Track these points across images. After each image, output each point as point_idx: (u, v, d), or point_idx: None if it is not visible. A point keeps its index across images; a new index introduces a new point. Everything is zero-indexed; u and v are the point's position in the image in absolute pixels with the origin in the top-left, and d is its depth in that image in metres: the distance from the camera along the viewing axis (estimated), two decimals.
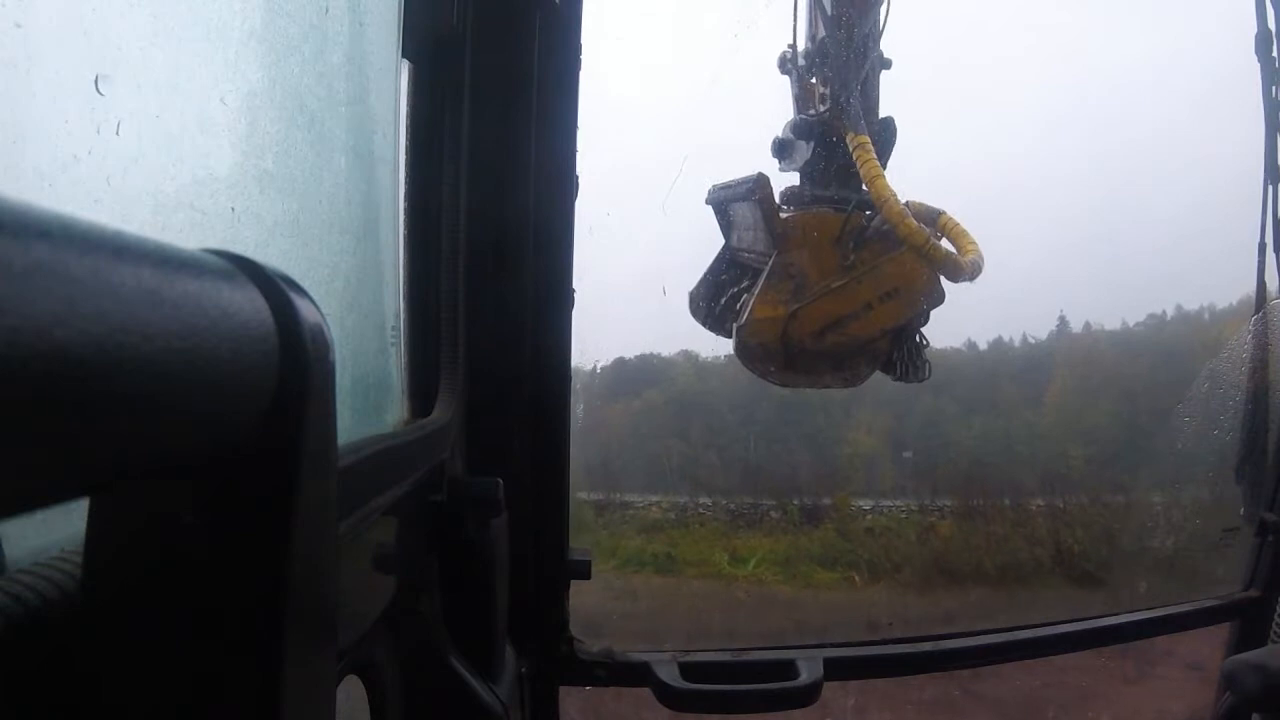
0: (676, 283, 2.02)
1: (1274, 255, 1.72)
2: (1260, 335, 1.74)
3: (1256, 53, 1.71)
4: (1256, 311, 1.76)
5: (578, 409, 1.38)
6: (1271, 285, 1.74)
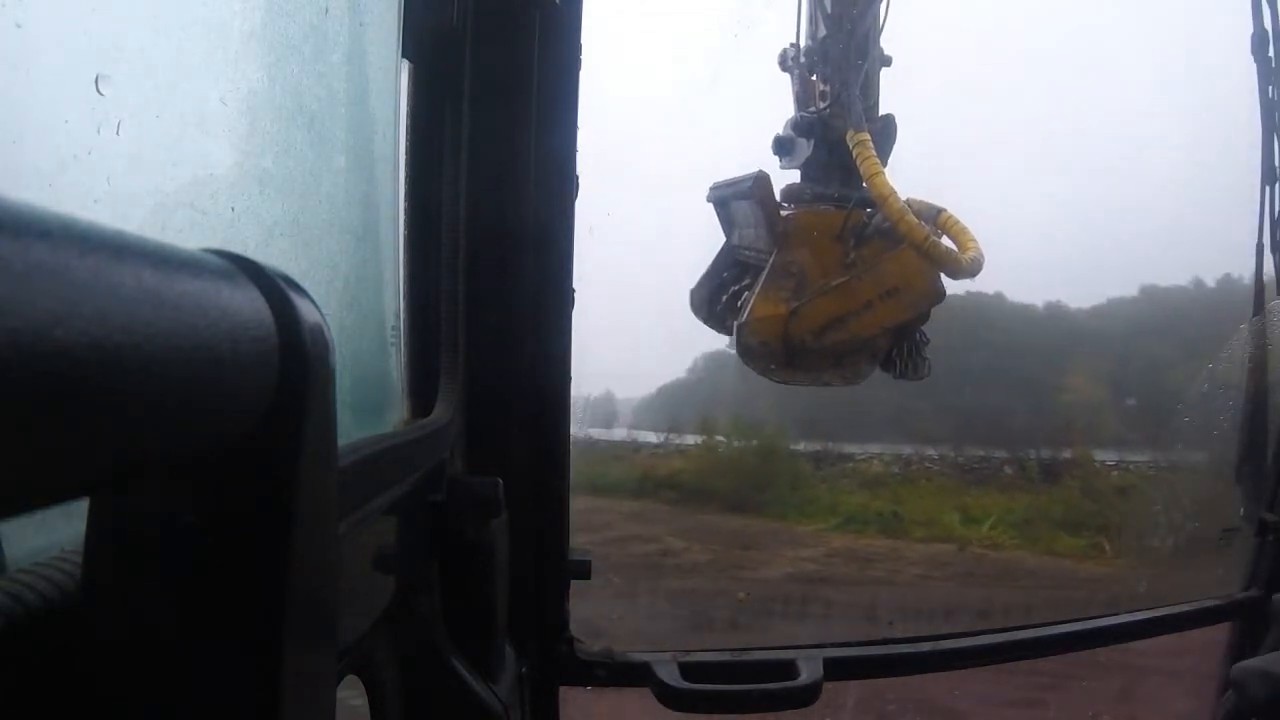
0: (679, 279, 2.00)
1: (1272, 256, 1.72)
2: (1259, 336, 1.74)
3: (1253, 53, 1.71)
4: (1255, 313, 1.76)
5: (578, 408, 1.38)
6: (1270, 285, 1.74)
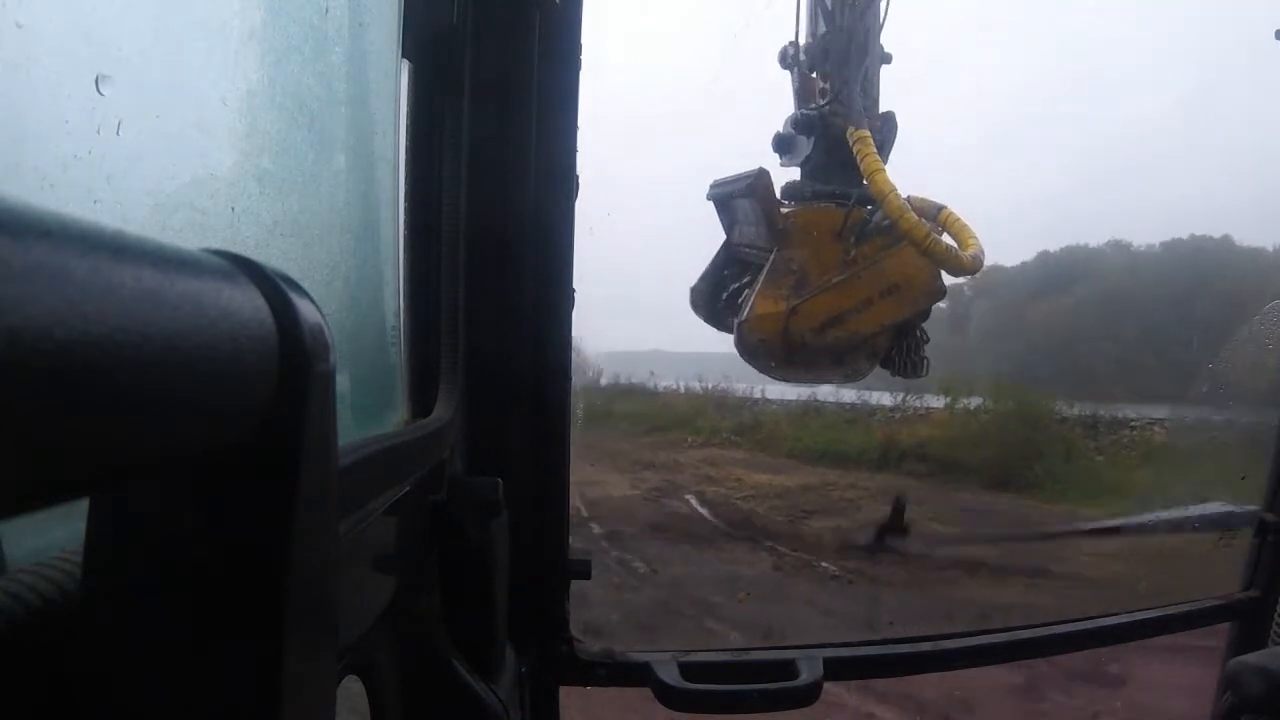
0: (681, 278, 1.98)
1: None
2: (1260, 336, 1.74)
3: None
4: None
5: (578, 409, 1.38)
6: None
